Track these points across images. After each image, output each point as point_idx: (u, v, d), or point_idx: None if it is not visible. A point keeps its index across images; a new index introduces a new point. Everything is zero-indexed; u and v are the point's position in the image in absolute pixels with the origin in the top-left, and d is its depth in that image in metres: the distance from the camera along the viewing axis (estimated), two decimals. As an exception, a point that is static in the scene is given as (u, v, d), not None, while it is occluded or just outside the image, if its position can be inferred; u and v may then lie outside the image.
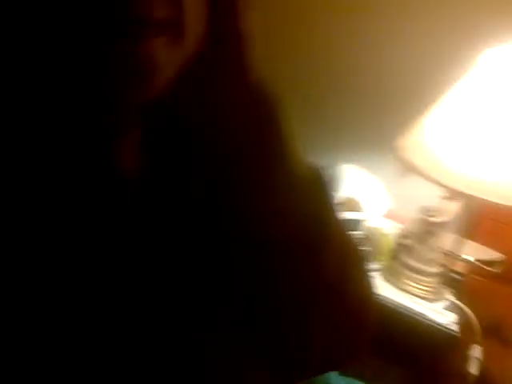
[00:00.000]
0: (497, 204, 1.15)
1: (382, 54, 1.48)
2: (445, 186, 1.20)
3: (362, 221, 1.44)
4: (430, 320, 1.29)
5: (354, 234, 1.42)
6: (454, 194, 1.27)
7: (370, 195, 1.47)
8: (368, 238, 1.43)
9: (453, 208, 1.32)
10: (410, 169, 1.22)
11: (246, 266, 0.45)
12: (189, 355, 0.42)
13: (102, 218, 0.41)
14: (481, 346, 1.36)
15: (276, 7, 1.48)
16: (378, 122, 1.49)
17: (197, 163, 0.44)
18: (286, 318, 0.46)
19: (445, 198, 1.29)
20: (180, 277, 0.44)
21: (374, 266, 1.42)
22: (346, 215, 1.40)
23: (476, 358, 1.34)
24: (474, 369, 1.34)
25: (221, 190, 0.44)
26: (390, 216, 1.50)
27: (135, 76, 0.34)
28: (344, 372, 1.26)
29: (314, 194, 0.46)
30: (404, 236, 1.42)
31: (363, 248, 1.42)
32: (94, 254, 0.40)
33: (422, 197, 1.36)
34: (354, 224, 1.42)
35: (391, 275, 1.39)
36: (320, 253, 0.46)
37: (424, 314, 1.30)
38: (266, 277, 0.45)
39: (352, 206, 1.47)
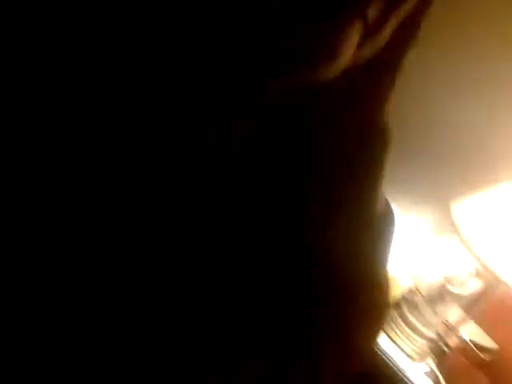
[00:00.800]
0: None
1: (461, 113, 1.48)
2: (479, 260, 1.19)
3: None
4: (410, 381, 1.29)
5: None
6: (481, 273, 1.28)
7: (396, 241, 1.47)
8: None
9: (474, 286, 1.31)
10: (453, 231, 1.22)
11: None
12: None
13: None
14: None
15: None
16: (435, 175, 1.48)
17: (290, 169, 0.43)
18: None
19: (473, 274, 1.29)
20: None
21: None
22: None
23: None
24: None
25: (308, 202, 0.42)
26: (407, 270, 1.49)
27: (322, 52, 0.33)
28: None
29: (383, 232, 0.45)
30: (414, 292, 1.42)
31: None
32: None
33: (448, 264, 1.35)
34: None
35: (387, 324, 1.38)
36: (365, 292, 0.45)
37: (405, 372, 1.30)
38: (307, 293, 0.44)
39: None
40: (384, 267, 0.47)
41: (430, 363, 1.40)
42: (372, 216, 0.44)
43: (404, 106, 1.53)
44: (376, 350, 1.31)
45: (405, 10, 0.36)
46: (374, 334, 0.51)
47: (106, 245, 0.37)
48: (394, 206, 1.41)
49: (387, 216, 0.45)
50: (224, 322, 0.41)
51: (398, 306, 1.42)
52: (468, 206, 1.25)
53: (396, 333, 1.36)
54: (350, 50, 0.34)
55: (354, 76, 0.38)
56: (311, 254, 0.43)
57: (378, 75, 0.40)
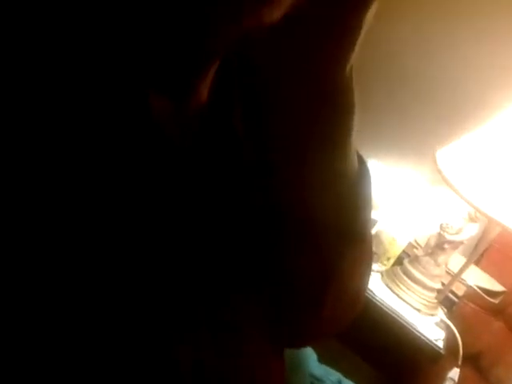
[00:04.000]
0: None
1: (444, 62, 1.47)
2: (471, 204, 1.19)
3: (376, 220, 1.44)
4: (418, 332, 1.30)
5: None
6: (476, 216, 1.27)
7: (391, 197, 1.47)
8: (377, 239, 1.43)
9: (471, 230, 1.31)
10: (441, 179, 1.21)
11: (271, 231, 0.46)
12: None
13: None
14: (459, 369, 1.36)
15: None
16: (423, 127, 1.48)
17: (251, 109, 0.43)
18: (297, 284, 0.47)
19: (466, 218, 1.29)
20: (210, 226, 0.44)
21: (375, 267, 1.42)
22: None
23: (452, 379, 1.35)
24: (447, 389, 1.35)
25: (272, 150, 0.43)
26: (406, 223, 1.49)
27: None
28: (322, 361, 1.26)
29: (357, 187, 0.45)
30: (414, 246, 1.42)
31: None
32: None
33: (444, 212, 1.35)
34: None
35: (391, 280, 1.39)
36: (344, 243, 0.46)
37: (414, 325, 1.30)
38: (292, 246, 0.46)
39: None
40: (365, 220, 0.48)
41: (440, 314, 1.41)
42: (346, 173, 0.44)
43: (386, 62, 1.52)
44: (383, 306, 1.32)
45: None
46: (364, 283, 0.53)
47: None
48: (383, 162, 1.40)
49: (361, 172, 0.46)
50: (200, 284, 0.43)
51: (399, 261, 1.42)
52: (452, 152, 1.25)
53: (401, 288, 1.37)
54: None
55: (303, 30, 0.38)
56: (285, 212, 0.44)
57: (330, 31, 0.38)
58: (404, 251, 1.45)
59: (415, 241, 1.47)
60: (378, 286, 1.37)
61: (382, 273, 1.42)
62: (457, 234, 1.31)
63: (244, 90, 0.43)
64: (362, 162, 0.47)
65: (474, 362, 1.45)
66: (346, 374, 1.28)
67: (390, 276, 1.40)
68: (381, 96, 1.51)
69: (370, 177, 0.47)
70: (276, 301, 0.49)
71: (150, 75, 0.40)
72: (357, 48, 0.39)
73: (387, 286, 1.38)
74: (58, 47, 0.36)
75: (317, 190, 0.44)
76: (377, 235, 1.42)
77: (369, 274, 0.54)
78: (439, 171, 1.22)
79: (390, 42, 1.51)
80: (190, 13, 0.34)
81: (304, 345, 0.87)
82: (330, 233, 0.45)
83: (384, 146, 1.50)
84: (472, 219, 1.31)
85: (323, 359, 1.20)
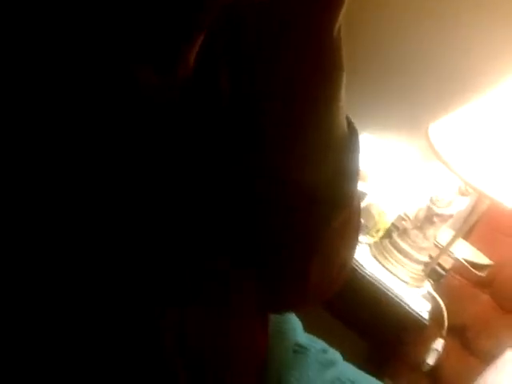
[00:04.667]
0: (506, 208, 1.15)
1: (438, 36, 1.45)
2: (461, 178, 1.19)
3: (365, 193, 1.44)
4: (404, 303, 1.31)
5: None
6: (466, 190, 1.27)
7: (382, 170, 1.47)
8: (366, 211, 1.43)
9: (460, 205, 1.32)
10: (432, 154, 1.21)
11: (260, 196, 0.46)
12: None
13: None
14: (444, 340, 1.39)
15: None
16: (415, 101, 1.47)
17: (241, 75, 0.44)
18: (283, 246, 0.48)
19: (456, 192, 1.29)
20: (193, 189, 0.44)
21: (365, 239, 1.43)
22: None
23: (437, 350, 1.37)
24: (431, 360, 1.37)
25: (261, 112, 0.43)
26: (396, 196, 1.50)
27: None
28: (308, 330, 1.28)
29: (346, 152, 0.46)
30: (403, 218, 1.43)
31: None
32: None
33: (434, 186, 1.36)
34: (357, 194, 1.42)
35: (379, 252, 1.40)
36: (332, 206, 0.46)
37: (401, 296, 1.32)
38: (278, 210, 0.46)
39: (359, 175, 1.47)
40: (352, 186, 0.48)
41: (427, 286, 1.42)
42: (334, 138, 0.44)
43: (380, 37, 1.51)
44: (371, 278, 1.33)
45: None
46: (350, 251, 0.54)
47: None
48: (375, 136, 1.39)
49: (351, 137, 0.46)
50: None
51: (388, 234, 1.43)
52: (444, 126, 1.25)
53: (389, 260, 1.38)
54: None
55: None
56: (272, 175, 0.44)
57: None
58: (393, 224, 1.46)
59: (405, 214, 1.47)
60: (366, 258, 1.38)
61: (370, 245, 1.43)
62: (446, 207, 1.31)
63: (231, 53, 0.44)
64: (352, 128, 0.47)
65: (459, 333, 1.48)
66: (332, 344, 1.30)
67: (378, 248, 1.41)
68: (374, 70, 1.50)
69: (358, 143, 0.47)
70: (262, 269, 0.49)
71: (138, 46, 0.40)
72: (343, 9, 0.39)
73: (375, 258, 1.39)
74: (45, 24, 0.36)
75: (304, 153, 0.44)
76: (366, 208, 1.43)
77: (355, 242, 0.54)
78: (431, 145, 1.22)
79: (383, 17, 1.50)
80: None
81: (289, 311, 0.88)
82: (317, 197, 0.45)
83: (376, 119, 1.50)
84: (462, 193, 1.31)
85: (309, 328, 1.21)
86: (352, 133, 0.47)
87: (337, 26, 0.40)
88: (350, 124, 0.47)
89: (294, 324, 1.15)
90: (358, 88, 1.50)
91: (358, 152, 0.47)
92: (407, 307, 1.30)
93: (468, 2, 1.44)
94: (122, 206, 0.40)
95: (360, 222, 0.54)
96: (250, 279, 0.49)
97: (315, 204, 0.45)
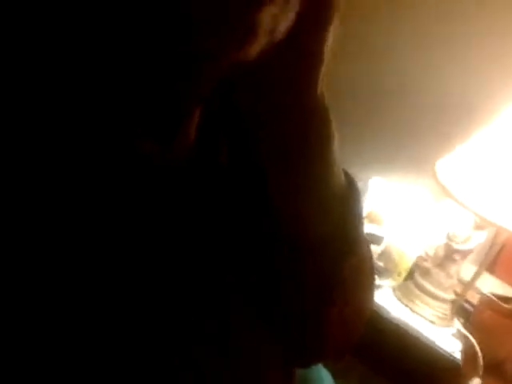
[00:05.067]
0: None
1: (438, 72, 1.47)
2: (474, 213, 1.19)
3: (383, 236, 1.44)
4: (434, 344, 1.29)
5: (372, 249, 1.41)
6: (482, 224, 1.27)
7: (396, 212, 1.47)
8: (386, 254, 1.43)
9: (478, 239, 1.31)
10: (443, 192, 1.21)
11: (267, 255, 0.47)
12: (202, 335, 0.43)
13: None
14: (481, 379, 1.35)
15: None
16: (419, 140, 1.48)
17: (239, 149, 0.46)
18: (300, 302, 0.48)
19: (473, 227, 1.29)
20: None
21: (387, 283, 1.42)
22: (368, 228, 1.40)
23: (475, 390, 1.33)
24: (470, 401, 1.33)
25: (263, 179, 0.45)
26: (413, 237, 1.49)
27: (237, 35, 0.34)
28: (335, 377, 1.26)
29: (346, 201, 0.47)
30: (424, 258, 1.41)
31: (380, 263, 1.42)
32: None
33: (450, 222, 1.35)
34: (374, 238, 1.42)
35: (403, 295, 1.38)
36: (340, 256, 0.48)
37: (429, 338, 1.30)
38: (284, 269, 0.47)
39: (375, 219, 1.47)
40: (357, 234, 0.49)
41: (456, 325, 1.40)
42: (332, 189, 0.46)
43: (380, 79, 1.53)
44: (396, 321, 1.31)
45: None
46: (366, 295, 0.54)
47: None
48: (385, 178, 1.41)
49: (349, 188, 0.48)
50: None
51: (411, 275, 1.42)
52: (451, 162, 1.25)
53: (414, 302, 1.36)
54: (267, 23, 0.35)
55: (277, 58, 0.39)
56: (283, 233, 0.45)
57: (299, 55, 0.41)
58: (415, 264, 1.45)
59: (425, 253, 1.46)
60: (390, 302, 1.36)
61: (394, 288, 1.41)
62: (465, 242, 1.31)
63: (228, 127, 0.46)
64: (350, 179, 0.49)
65: (496, 370, 1.43)
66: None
67: (402, 290, 1.39)
68: (375, 115, 1.52)
69: (358, 192, 0.49)
70: (281, 323, 0.49)
71: (137, 119, 0.42)
72: (323, 70, 0.41)
73: (400, 300, 1.37)
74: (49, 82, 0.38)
75: (307, 206, 0.45)
76: (385, 251, 1.42)
77: (371, 288, 0.55)
78: (439, 183, 1.22)
79: (384, 56, 1.53)
80: (173, 56, 0.35)
81: (314, 363, 0.87)
82: (326, 249, 0.46)
83: (384, 162, 1.51)
84: (479, 227, 1.30)
85: (338, 377, 1.19)
86: (350, 182, 0.48)
87: (319, 87, 0.42)
88: (346, 175, 0.49)
89: (321, 374, 1.13)
90: (363, 133, 1.53)
91: (358, 198, 0.49)
92: (437, 348, 1.28)
93: (471, 36, 1.45)
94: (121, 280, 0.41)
95: (373, 267, 0.55)
96: (271, 336, 0.49)
97: (324, 256, 0.46)
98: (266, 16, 0.34)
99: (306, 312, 0.49)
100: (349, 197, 0.47)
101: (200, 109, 0.44)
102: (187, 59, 0.35)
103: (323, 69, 0.41)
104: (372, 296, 0.56)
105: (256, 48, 0.35)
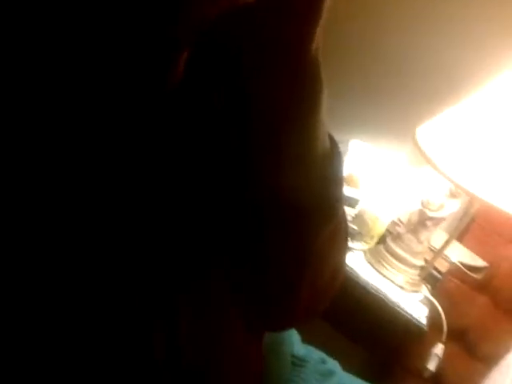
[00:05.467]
0: (497, 209, 1.14)
1: (422, 39, 1.46)
2: (451, 180, 1.19)
3: (358, 199, 1.44)
4: (402, 309, 1.30)
5: (347, 211, 1.41)
6: (457, 193, 1.27)
7: (374, 176, 1.46)
8: (360, 218, 1.43)
9: (452, 207, 1.31)
10: (422, 157, 1.21)
11: (244, 210, 0.46)
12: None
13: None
14: (444, 345, 1.37)
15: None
16: (402, 105, 1.47)
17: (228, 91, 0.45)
18: (271, 262, 0.48)
19: (447, 195, 1.29)
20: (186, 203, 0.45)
21: (359, 245, 1.42)
22: (344, 190, 1.39)
23: (437, 355, 1.36)
24: (432, 365, 1.36)
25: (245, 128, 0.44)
26: (388, 201, 1.50)
27: None
28: (306, 341, 1.27)
29: (329, 165, 0.47)
30: (397, 223, 1.42)
31: (353, 226, 1.42)
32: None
33: (425, 189, 1.35)
34: (350, 201, 1.42)
35: (374, 258, 1.39)
36: (320, 220, 0.47)
37: (397, 303, 1.31)
38: (260, 226, 0.46)
39: (352, 182, 1.46)
40: (337, 197, 0.48)
41: (424, 291, 1.41)
42: (315, 147, 0.45)
43: (362, 42, 1.51)
44: (366, 285, 1.32)
45: None
46: (340, 260, 0.54)
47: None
48: (365, 142, 1.39)
49: (332, 150, 0.47)
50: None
51: (382, 240, 1.43)
52: (431, 129, 1.25)
53: (384, 266, 1.37)
54: None
55: (271, 11, 0.39)
56: (259, 190, 0.45)
57: (293, 9, 0.40)
58: (387, 229, 1.45)
59: (398, 219, 1.47)
60: (361, 265, 1.37)
61: (365, 251, 1.42)
62: (438, 210, 1.31)
63: (221, 70, 0.45)
64: (333, 142, 0.49)
65: (459, 337, 1.46)
66: (331, 354, 1.29)
67: (373, 254, 1.40)
68: (358, 77, 1.51)
69: (341, 156, 0.49)
70: (253, 286, 0.49)
71: (129, 60, 0.41)
72: (320, 26, 0.41)
73: (371, 264, 1.38)
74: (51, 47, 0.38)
75: (290, 164, 0.45)
76: (360, 214, 1.42)
77: (344, 252, 0.55)
78: (419, 148, 1.22)
79: (366, 22, 1.50)
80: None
81: (285, 328, 0.87)
82: (304, 210, 0.46)
83: (365, 125, 1.50)
84: (453, 195, 1.31)
85: (307, 339, 1.20)
86: (333, 144, 0.48)
87: (315, 43, 0.41)
88: (331, 138, 0.48)
89: (291, 336, 1.14)
90: (345, 94, 1.51)
91: (340, 162, 0.48)
92: (405, 313, 1.29)
93: (452, 3, 1.44)
94: (115, 208, 0.41)
95: (347, 231, 0.54)
96: (240, 299, 0.49)
97: (301, 213, 0.46)
98: None
99: (282, 274, 0.48)
100: (331, 160, 0.47)
101: (186, 49, 0.43)
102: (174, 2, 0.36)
103: (320, 25, 0.41)
104: (344, 260, 0.56)
105: None
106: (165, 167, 0.44)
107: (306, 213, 0.46)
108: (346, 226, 0.53)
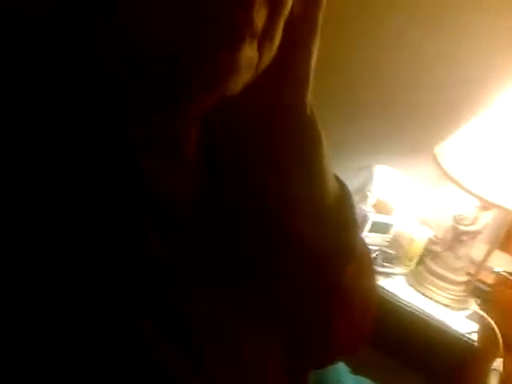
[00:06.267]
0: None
1: (431, 61, 1.46)
2: (477, 196, 1.18)
3: (392, 224, 1.44)
4: (450, 328, 1.28)
5: (382, 237, 1.42)
6: (487, 205, 1.26)
7: (403, 199, 1.47)
8: (396, 242, 1.43)
9: (485, 218, 1.30)
10: (446, 176, 1.21)
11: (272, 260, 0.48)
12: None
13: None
14: (502, 358, 1.34)
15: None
16: (419, 126, 1.47)
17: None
18: (302, 308, 0.50)
19: (478, 207, 1.28)
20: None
21: (399, 270, 1.42)
22: (376, 217, 1.40)
23: (497, 370, 1.33)
24: (494, 381, 1.32)
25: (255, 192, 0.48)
26: (421, 221, 1.49)
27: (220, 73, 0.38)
28: (355, 371, 1.26)
29: (340, 207, 0.49)
30: (433, 242, 1.41)
31: (390, 251, 1.42)
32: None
33: (456, 205, 1.34)
34: (383, 226, 1.42)
35: (416, 280, 1.38)
36: (339, 261, 0.50)
37: (444, 322, 1.29)
38: (287, 272, 0.48)
39: (383, 208, 1.47)
40: (355, 241, 0.51)
41: (473, 306, 1.39)
42: (325, 194, 0.48)
43: (376, 72, 1.52)
44: (410, 308, 1.31)
45: (288, 10, 0.41)
46: (369, 295, 0.56)
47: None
48: (390, 167, 1.40)
49: (342, 191, 0.50)
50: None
51: (421, 260, 1.42)
52: (450, 147, 1.25)
53: (427, 287, 1.36)
54: (248, 61, 0.39)
55: (265, 81, 0.43)
56: (282, 230, 0.47)
57: (284, 79, 0.44)
58: (425, 249, 1.44)
59: (435, 237, 1.46)
60: (404, 289, 1.36)
61: (406, 275, 1.41)
62: (472, 224, 1.30)
63: (226, 140, 0.49)
64: (341, 184, 0.51)
65: (517, 348, 1.42)
66: (386, 381, 1.28)
67: (414, 276, 1.39)
68: (374, 104, 1.51)
69: (351, 197, 0.51)
70: (286, 326, 0.50)
71: (145, 136, 0.43)
72: (308, 92, 0.45)
73: (413, 287, 1.37)
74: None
75: (301, 207, 0.47)
76: (394, 238, 1.42)
77: (372, 282, 0.58)
78: (441, 169, 1.22)
79: (375, 53, 1.52)
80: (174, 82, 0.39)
81: (326, 365, 0.88)
82: (323, 251, 0.48)
83: (386, 150, 1.50)
84: (485, 208, 1.29)
85: (357, 370, 1.20)
86: (342, 186, 0.51)
87: (307, 102, 0.45)
88: (337, 179, 0.51)
89: (338, 370, 1.14)
90: (364, 124, 1.52)
91: (352, 204, 0.51)
92: (452, 331, 1.28)
93: (465, 24, 1.44)
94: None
95: (373, 267, 0.57)
96: (277, 345, 0.50)
97: (323, 258, 0.48)
98: (247, 53, 0.38)
99: (308, 315, 0.50)
100: (342, 200, 0.50)
101: (196, 123, 0.47)
102: (176, 98, 0.40)
103: (309, 87, 0.45)
104: (375, 288, 0.58)
105: (239, 82, 0.39)
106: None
107: (324, 253, 0.48)
108: (371, 263, 0.56)
